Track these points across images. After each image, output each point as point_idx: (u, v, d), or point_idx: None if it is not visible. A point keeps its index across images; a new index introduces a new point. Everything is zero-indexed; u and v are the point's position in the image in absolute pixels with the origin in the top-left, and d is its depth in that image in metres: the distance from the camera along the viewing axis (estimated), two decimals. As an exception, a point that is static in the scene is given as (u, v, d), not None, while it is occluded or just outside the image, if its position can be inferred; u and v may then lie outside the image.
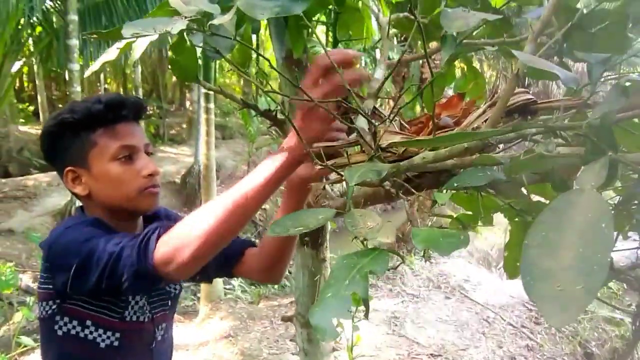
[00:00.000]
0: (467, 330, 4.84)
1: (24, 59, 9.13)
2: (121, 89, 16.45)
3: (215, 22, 0.73)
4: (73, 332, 1.23)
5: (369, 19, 2.10)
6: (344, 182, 1.25)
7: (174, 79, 18.48)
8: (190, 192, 8.72)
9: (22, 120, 13.38)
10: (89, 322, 1.23)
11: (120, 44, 0.85)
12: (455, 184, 0.76)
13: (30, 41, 8.77)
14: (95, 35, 0.79)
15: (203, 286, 5.38)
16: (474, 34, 1.70)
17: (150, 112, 15.85)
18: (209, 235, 0.96)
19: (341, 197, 1.58)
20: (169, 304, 1.43)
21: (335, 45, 1.55)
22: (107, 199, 1.26)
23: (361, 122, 1.10)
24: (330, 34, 1.69)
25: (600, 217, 0.47)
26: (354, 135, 1.12)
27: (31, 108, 14.45)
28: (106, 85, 15.68)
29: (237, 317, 5.13)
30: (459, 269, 6.19)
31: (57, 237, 1.19)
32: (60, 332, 1.24)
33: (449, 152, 0.81)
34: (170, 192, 9.06)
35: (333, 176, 1.23)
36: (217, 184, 7.55)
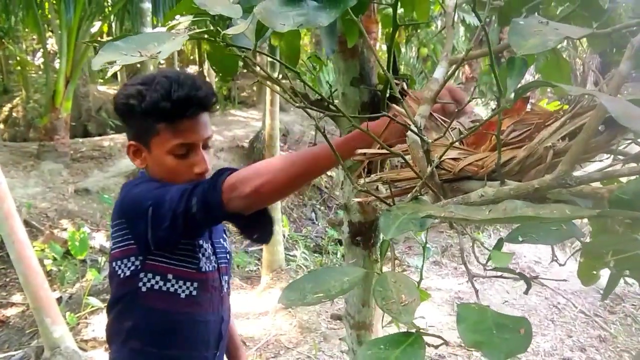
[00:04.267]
0: (535, 316, 4.61)
1: (100, 22, 9.30)
2: (197, 50, 16.60)
3: (230, 32, 0.60)
4: (156, 286, 1.33)
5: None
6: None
7: (246, 40, 18.39)
8: (257, 157, 8.69)
9: (100, 80, 13.80)
10: (170, 276, 1.33)
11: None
12: (520, 238, 0.60)
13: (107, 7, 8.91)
14: (95, 44, 0.68)
15: (265, 255, 5.39)
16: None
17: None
18: (275, 177, 1.07)
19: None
20: (227, 258, 1.54)
21: (395, 29, 1.38)
22: (159, 179, 1.34)
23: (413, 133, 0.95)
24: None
25: None
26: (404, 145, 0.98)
27: (109, 68, 14.85)
28: (182, 46, 15.84)
29: (298, 288, 5.11)
30: (530, 248, 5.89)
31: (127, 192, 1.32)
32: (144, 289, 1.33)
33: (515, 191, 0.66)
34: (239, 156, 9.11)
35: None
36: (284, 149, 7.51)
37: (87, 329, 4.42)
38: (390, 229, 0.58)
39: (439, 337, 0.53)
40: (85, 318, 4.57)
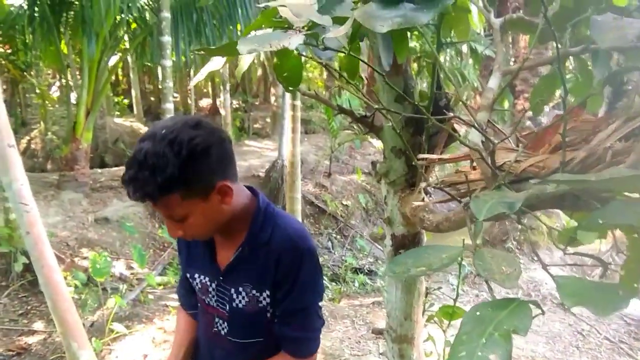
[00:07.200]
0: (559, 343, 4.58)
1: (119, 54, 9.54)
2: (209, 84, 16.92)
3: (330, 35, 0.67)
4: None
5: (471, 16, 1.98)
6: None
7: (259, 73, 18.75)
8: (273, 186, 8.80)
9: (117, 112, 14.05)
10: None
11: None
12: (600, 221, 0.65)
13: (126, 37, 9.14)
14: (202, 52, 0.75)
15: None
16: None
17: (236, 106, 16.21)
18: None
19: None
20: (227, 308, 1.47)
21: (439, 47, 1.46)
22: None
23: (474, 137, 1.01)
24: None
25: None
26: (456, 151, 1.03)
27: (126, 101, 15.16)
28: (195, 79, 16.15)
29: (319, 315, 5.12)
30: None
31: None
32: None
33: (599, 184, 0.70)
34: (255, 185, 9.18)
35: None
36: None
37: (111, 355, 4.43)
38: (482, 211, 0.64)
39: (537, 304, 0.57)
40: (109, 344, 4.59)
